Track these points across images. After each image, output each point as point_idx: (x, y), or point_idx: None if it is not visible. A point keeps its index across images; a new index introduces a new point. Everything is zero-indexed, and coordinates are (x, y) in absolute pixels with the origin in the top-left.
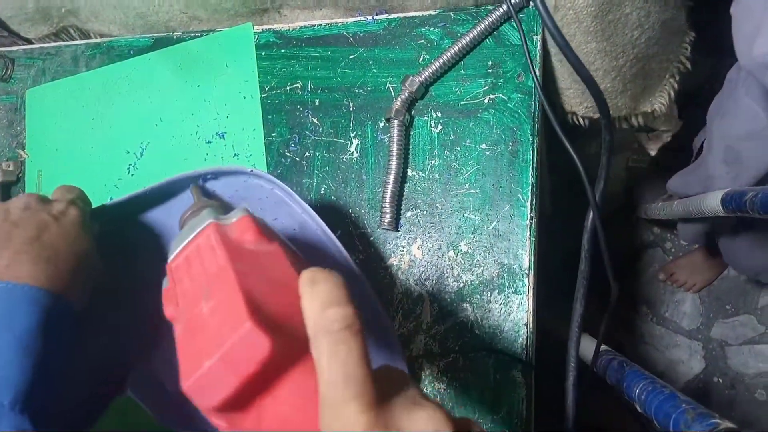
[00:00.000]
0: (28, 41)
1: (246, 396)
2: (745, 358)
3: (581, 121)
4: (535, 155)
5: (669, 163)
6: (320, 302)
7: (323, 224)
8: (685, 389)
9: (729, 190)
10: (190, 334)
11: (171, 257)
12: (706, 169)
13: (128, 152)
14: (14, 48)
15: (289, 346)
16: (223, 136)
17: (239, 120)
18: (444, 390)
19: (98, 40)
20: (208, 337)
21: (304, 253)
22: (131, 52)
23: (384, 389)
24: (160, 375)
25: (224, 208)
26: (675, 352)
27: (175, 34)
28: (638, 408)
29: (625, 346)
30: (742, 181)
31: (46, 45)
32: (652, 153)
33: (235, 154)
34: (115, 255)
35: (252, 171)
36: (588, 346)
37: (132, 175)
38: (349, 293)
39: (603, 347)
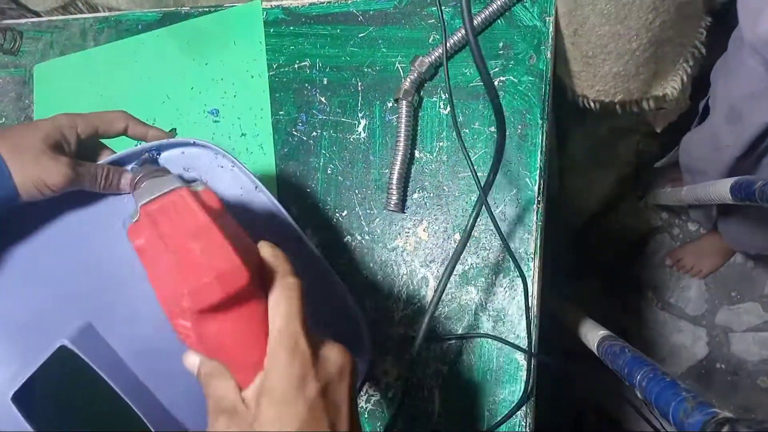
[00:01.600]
0: (37, 14)
1: (219, 307)
2: (748, 345)
3: (592, 104)
4: (545, 139)
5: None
6: (282, 269)
7: (266, 190)
8: (687, 374)
9: (738, 179)
10: (186, 266)
11: (144, 201)
12: (710, 128)
13: None
14: (22, 21)
15: (253, 284)
16: (230, 115)
17: (247, 99)
18: (447, 371)
19: (106, 14)
20: (202, 267)
21: (249, 216)
22: (139, 27)
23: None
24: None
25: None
26: (679, 338)
27: (183, 9)
28: (639, 394)
29: (629, 331)
30: (743, 138)
31: (54, 18)
32: (658, 130)
33: (243, 134)
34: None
35: (195, 141)
36: (591, 331)
37: None
38: (291, 264)
39: (605, 332)
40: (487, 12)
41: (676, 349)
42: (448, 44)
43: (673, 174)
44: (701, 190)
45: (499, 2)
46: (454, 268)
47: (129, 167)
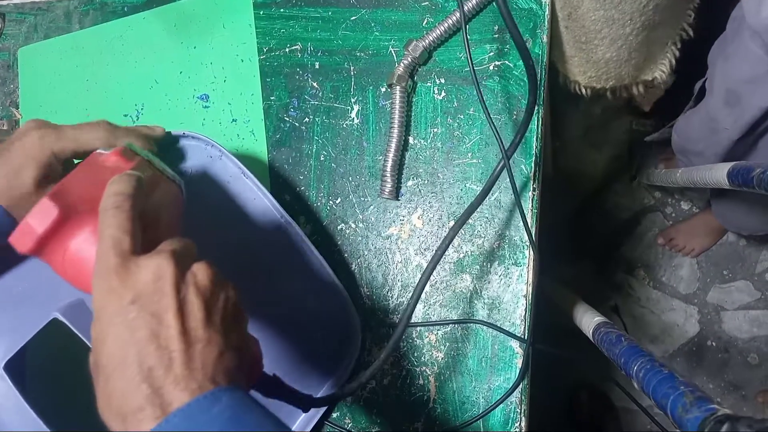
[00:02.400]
0: None
1: (51, 240)
2: (739, 322)
3: (583, 90)
4: (540, 125)
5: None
6: (109, 191)
7: (253, 177)
8: (679, 352)
9: (736, 164)
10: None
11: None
12: (707, 111)
13: (126, 115)
14: (5, 2)
15: (77, 216)
16: (220, 100)
17: (237, 84)
18: (442, 358)
19: None
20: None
21: (236, 203)
22: (125, 9)
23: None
24: None
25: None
26: (671, 316)
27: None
28: (636, 385)
29: (621, 309)
30: (742, 121)
31: (37, 0)
32: (647, 109)
33: (233, 119)
34: None
35: (185, 133)
36: (586, 317)
37: None
38: (134, 187)
39: (601, 318)
40: None
41: (668, 327)
42: (442, 27)
43: (665, 154)
44: (697, 174)
45: None
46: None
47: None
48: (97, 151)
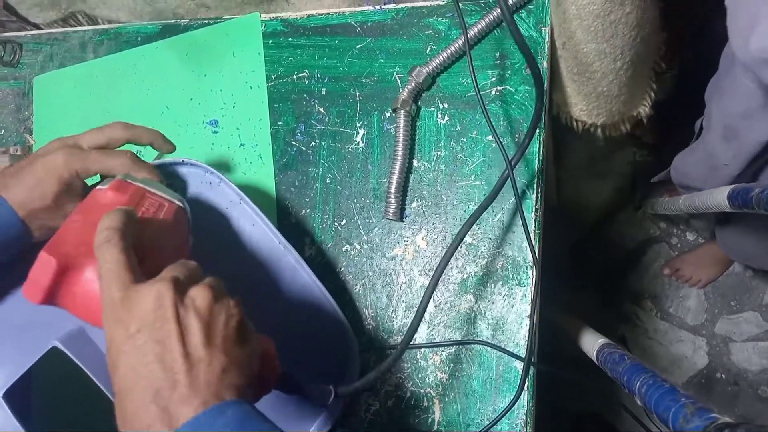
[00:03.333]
0: (36, 26)
1: (59, 289)
2: (748, 354)
3: (575, 124)
4: (542, 148)
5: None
6: (100, 227)
7: (251, 203)
8: (688, 385)
9: (735, 186)
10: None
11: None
12: (706, 148)
13: None
14: (22, 33)
15: (76, 260)
16: (229, 125)
17: (246, 110)
18: (446, 380)
19: (106, 26)
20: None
21: (233, 230)
22: (139, 39)
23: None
24: None
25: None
26: (679, 347)
27: (183, 21)
28: (638, 401)
29: (629, 341)
30: (741, 157)
31: (54, 30)
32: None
33: (242, 144)
34: None
35: (184, 161)
36: (590, 339)
37: None
38: (122, 221)
39: (605, 340)
40: (484, 22)
41: (676, 359)
42: (445, 54)
43: (669, 185)
44: (699, 199)
45: (495, 13)
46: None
47: None
48: (98, 187)
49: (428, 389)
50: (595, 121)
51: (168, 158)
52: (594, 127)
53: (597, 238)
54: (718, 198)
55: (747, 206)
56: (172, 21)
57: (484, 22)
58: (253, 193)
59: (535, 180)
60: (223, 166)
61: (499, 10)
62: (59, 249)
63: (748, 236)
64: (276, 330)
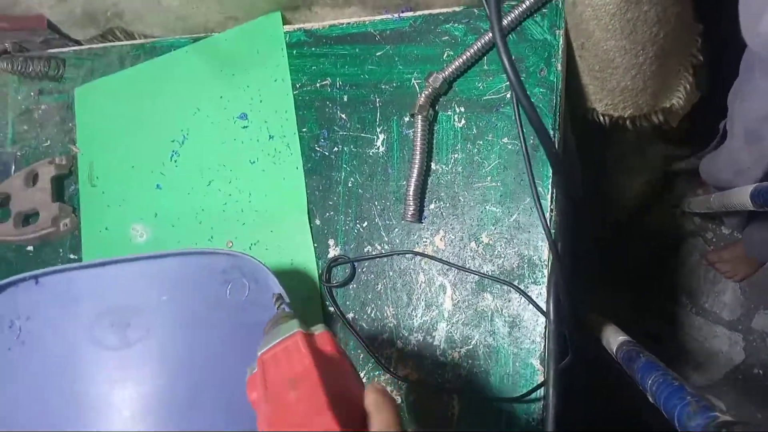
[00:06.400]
0: (78, 43)
1: None
2: None
3: (602, 118)
4: (559, 141)
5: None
6: (378, 420)
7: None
8: (725, 380)
9: (758, 185)
10: (279, 416)
11: (262, 350)
12: (730, 151)
13: (173, 141)
14: (65, 49)
15: None
16: (257, 119)
17: (272, 103)
18: (464, 376)
19: (142, 41)
20: (296, 418)
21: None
22: (172, 51)
23: None
24: None
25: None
26: (715, 343)
27: (213, 34)
28: (650, 398)
29: (664, 336)
30: (764, 159)
31: (94, 46)
32: (674, 124)
33: (270, 136)
34: None
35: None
36: (613, 337)
37: (175, 161)
38: (400, 420)
39: (626, 338)
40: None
41: (712, 354)
42: (461, 59)
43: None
44: (726, 198)
45: (510, 18)
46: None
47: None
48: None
49: (448, 385)
50: (622, 114)
51: (217, 249)
52: (622, 119)
53: (630, 233)
54: (742, 197)
55: None
56: (203, 34)
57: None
58: (283, 183)
59: (550, 181)
60: (253, 160)
61: (514, 15)
62: (344, 408)
63: None
64: None
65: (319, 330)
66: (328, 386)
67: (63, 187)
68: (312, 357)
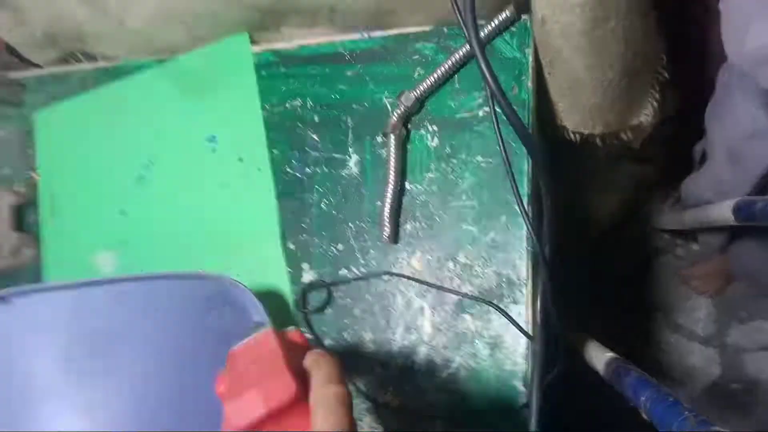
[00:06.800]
0: (38, 67)
1: (266, 422)
2: (762, 363)
3: (572, 135)
4: (531, 167)
5: (678, 171)
6: (322, 379)
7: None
8: (702, 396)
9: (740, 200)
10: (236, 382)
11: (235, 348)
12: (713, 173)
13: (139, 165)
14: (25, 73)
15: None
16: (226, 141)
17: (241, 125)
18: (447, 398)
19: (105, 63)
20: (251, 383)
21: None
22: (136, 74)
23: None
24: None
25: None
26: (691, 359)
27: (179, 55)
28: (644, 415)
29: (640, 354)
30: (749, 178)
31: (55, 69)
32: (636, 146)
33: (240, 159)
34: None
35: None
36: (599, 355)
37: (142, 187)
38: (343, 373)
39: (612, 355)
40: (467, 47)
41: (689, 370)
42: (433, 78)
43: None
44: (703, 213)
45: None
46: None
47: None
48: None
49: (430, 409)
50: (593, 131)
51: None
52: (592, 137)
53: (601, 252)
54: (724, 212)
55: (752, 219)
56: (169, 56)
57: (468, 46)
58: (254, 206)
59: (525, 199)
60: (223, 183)
61: (483, 33)
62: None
63: (758, 252)
64: None
65: (291, 329)
66: (292, 364)
67: (23, 216)
68: (279, 342)
